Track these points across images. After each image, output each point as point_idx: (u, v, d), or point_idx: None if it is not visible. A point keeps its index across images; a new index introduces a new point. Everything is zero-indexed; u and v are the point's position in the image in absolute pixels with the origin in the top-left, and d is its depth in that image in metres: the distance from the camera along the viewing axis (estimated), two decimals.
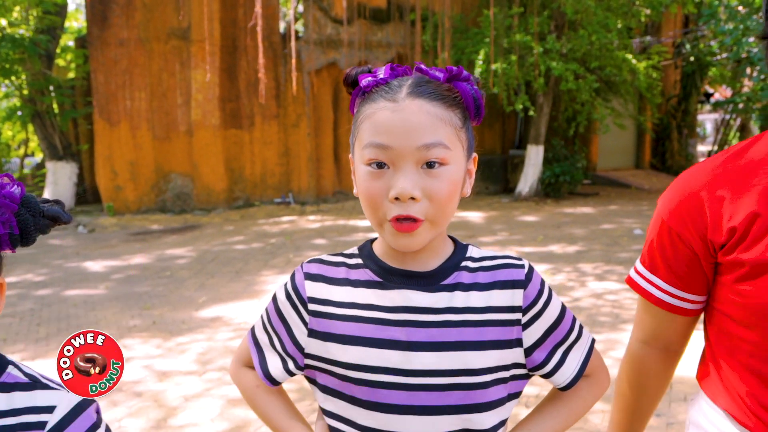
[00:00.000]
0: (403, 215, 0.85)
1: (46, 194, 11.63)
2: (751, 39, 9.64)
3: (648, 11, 11.70)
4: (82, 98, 12.42)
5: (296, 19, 12.25)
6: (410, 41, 12.42)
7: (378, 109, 0.88)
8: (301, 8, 12.39)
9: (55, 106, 12.21)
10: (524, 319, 0.92)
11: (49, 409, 0.82)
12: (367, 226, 9.32)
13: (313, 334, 0.93)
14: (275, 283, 5.84)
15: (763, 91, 8.73)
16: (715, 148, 16.93)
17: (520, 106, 11.24)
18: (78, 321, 4.80)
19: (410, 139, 0.85)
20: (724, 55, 10.15)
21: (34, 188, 13.39)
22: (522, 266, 0.94)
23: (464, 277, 0.93)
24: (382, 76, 0.91)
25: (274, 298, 1.00)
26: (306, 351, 0.95)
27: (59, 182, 11.99)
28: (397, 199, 0.85)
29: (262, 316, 1.02)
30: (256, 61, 11.50)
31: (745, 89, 13.85)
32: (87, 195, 12.84)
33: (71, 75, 13.20)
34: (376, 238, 0.99)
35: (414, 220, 0.85)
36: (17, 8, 11.70)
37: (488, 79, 11.05)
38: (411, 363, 0.88)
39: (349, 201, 12.44)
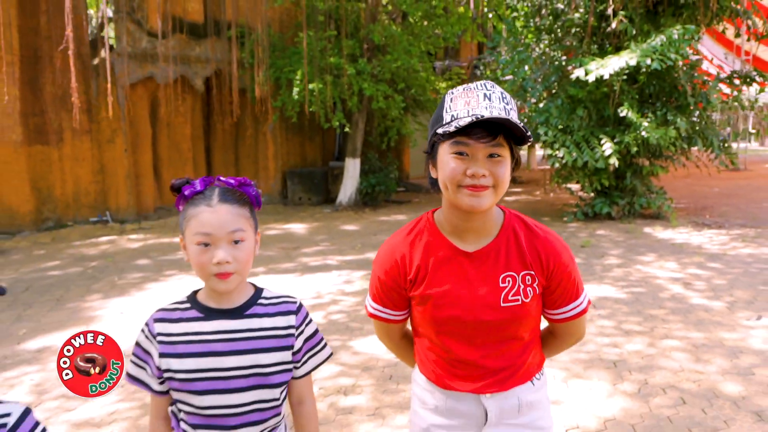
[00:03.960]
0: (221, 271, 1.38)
1: None
2: (526, 68, 11.39)
3: (445, 38, 13.20)
4: None
5: (102, 29, 11.83)
6: (229, 57, 12.64)
7: (200, 212, 1.39)
8: (110, 13, 11.99)
9: None
10: (296, 333, 1.49)
11: (6, 415, 1.09)
12: None
13: (163, 355, 1.42)
14: (104, 309, 5.88)
15: (536, 113, 10.41)
16: None
17: (337, 123, 12.05)
18: None
19: (223, 228, 1.38)
20: (510, 77, 11.86)
21: None
22: (295, 302, 1.52)
23: (259, 309, 1.47)
24: (198, 188, 1.42)
25: (137, 342, 1.46)
26: (162, 368, 1.43)
27: None
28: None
29: (131, 360, 1.46)
30: (63, 74, 10.97)
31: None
32: None
33: None
34: (199, 289, 1.50)
35: None
36: None
37: (306, 97, 11.70)
38: (224, 363, 1.42)
39: (172, 217, 12.32)
